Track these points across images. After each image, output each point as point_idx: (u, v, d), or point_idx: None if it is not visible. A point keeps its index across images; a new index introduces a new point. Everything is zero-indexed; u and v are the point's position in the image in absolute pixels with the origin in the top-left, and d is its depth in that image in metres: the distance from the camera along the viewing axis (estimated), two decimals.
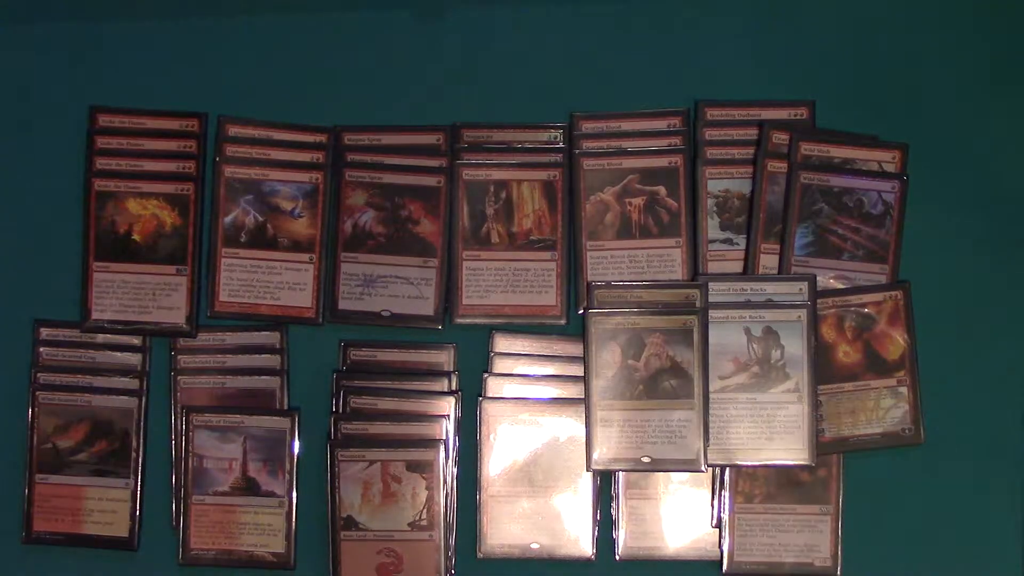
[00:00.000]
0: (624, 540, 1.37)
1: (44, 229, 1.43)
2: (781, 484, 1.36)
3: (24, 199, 1.43)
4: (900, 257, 1.37)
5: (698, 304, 1.35)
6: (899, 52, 1.41)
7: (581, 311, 1.38)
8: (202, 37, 1.44)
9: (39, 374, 1.41)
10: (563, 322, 1.39)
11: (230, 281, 1.40)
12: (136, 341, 1.41)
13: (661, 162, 1.39)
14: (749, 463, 1.34)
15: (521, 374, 1.39)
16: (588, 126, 1.40)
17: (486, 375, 1.39)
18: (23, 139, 1.44)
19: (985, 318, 1.38)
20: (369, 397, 1.39)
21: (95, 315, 1.40)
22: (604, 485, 1.37)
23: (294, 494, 1.38)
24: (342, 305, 1.40)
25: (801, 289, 1.34)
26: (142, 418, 1.40)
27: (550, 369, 1.39)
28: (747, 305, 1.35)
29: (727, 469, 1.35)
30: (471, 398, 1.38)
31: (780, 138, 1.38)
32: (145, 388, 1.40)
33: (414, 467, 1.37)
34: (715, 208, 1.39)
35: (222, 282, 1.40)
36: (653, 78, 1.42)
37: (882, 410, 1.35)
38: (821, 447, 1.34)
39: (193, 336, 1.40)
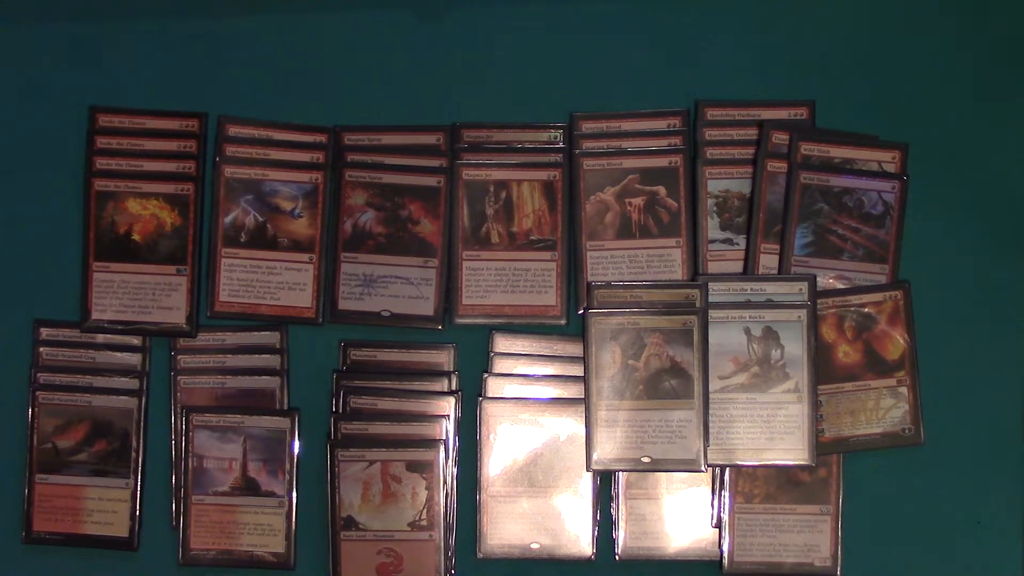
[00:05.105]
0: (624, 540, 1.37)
1: (44, 229, 1.42)
2: (781, 484, 1.36)
3: (24, 199, 1.43)
4: (900, 257, 1.37)
5: (698, 304, 1.35)
6: (899, 52, 1.41)
7: (581, 311, 1.38)
8: (202, 37, 1.44)
9: (39, 374, 1.41)
10: (563, 322, 1.39)
11: (230, 281, 1.40)
12: (136, 341, 1.41)
13: (661, 162, 1.39)
14: (749, 463, 1.34)
15: (521, 374, 1.39)
16: (588, 126, 1.40)
17: (486, 375, 1.39)
18: (23, 139, 1.44)
19: (985, 318, 1.38)
20: (369, 397, 1.39)
21: (95, 315, 1.40)
22: (604, 485, 1.37)
23: (294, 494, 1.38)
24: (342, 305, 1.40)
25: (801, 289, 1.34)
26: (142, 418, 1.40)
27: (550, 369, 1.39)
28: (747, 305, 1.35)
29: (727, 469, 1.35)
30: (471, 398, 1.38)
31: (780, 138, 1.38)
32: (145, 388, 1.40)
33: (414, 467, 1.37)
34: (715, 208, 1.39)
35: (222, 282, 1.40)
36: (653, 78, 1.42)
37: (882, 410, 1.35)
38: (821, 447, 1.34)
39: (193, 336, 1.40)
